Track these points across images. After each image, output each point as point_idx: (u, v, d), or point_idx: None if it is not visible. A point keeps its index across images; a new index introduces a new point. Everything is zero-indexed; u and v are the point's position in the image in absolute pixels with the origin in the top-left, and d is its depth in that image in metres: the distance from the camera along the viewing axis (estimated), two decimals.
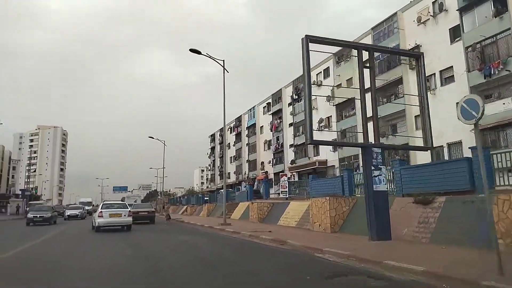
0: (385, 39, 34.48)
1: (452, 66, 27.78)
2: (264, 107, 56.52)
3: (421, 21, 29.96)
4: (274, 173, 51.27)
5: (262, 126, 56.85)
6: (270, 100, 54.09)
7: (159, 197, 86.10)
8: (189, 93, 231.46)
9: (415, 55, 11.87)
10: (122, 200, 55.15)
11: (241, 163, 63.59)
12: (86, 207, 43.02)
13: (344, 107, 37.97)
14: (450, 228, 8.82)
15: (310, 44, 10.06)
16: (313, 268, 6.60)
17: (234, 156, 67.19)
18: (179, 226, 21.67)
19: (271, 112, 53.17)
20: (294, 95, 45.91)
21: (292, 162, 46.05)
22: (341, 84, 38.22)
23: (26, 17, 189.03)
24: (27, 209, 49.23)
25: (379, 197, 9.71)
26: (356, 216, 12.25)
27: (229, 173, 69.68)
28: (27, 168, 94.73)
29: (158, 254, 8.82)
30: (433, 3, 29.15)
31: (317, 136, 37.91)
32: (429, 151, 12.58)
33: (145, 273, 6.17)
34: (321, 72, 42.17)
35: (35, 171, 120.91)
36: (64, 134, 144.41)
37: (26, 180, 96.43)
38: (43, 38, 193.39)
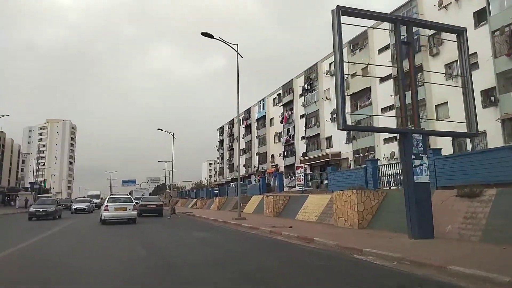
0: None
1: (476, 52, 26.22)
2: (274, 99, 55.22)
3: (443, 5, 28.40)
4: (285, 166, 50.15)
5: (272, 118, 55.62)
6: (280, 91, 52.78)
7: (167, 190, 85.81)
8: (197, 87, 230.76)
9: (457, 30, 10.56)
10: (130, 194, 54.53)
11: (250, 156, 62.53)
12: (95, 200, 42.00)
13: (359, 97, 36.61)
14: (506, 225, 7.64)
15: (341, 17, 8.81)
16: (364, 275, 5.43)
17: (243, 148, 66.09)
18: (190, 220, 20.70)
19: (281, 104, 51.89)
20: (306, 85, 44.58)
21: (304, 154, 44.85)
22: (356, 73, 36.83)
23: (38, 13, 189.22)
24: (37, 202, 49.06)
25: (420, 189, 8.55)
26: (387, 211, 11.11)
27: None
28: (36, 161, 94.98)
29: (174, 254, 7.76)
30: None
31: (330, 127, 36.54)
32: (470, 138, 11.26)
33: (163, 280, 5.12)
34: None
35: (44, 164, 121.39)
36: (73, 128, 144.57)
37: (35, 173, 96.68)
38: (55, 33, 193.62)
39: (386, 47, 33.95)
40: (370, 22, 15.71)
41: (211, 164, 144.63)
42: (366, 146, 35.01)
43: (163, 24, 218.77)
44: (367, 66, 35.52)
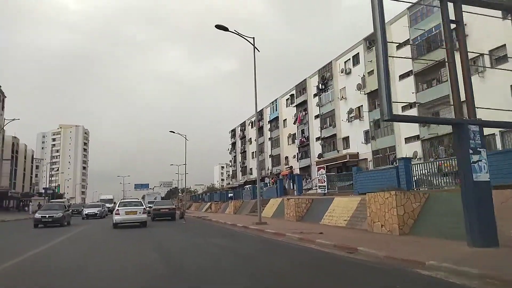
0: (423, 19, 31.65)
1: (504, 45, 24.81)
2: (287, 99, 54.10)
3: None
4: (300, 168, 48.90)
5: (286, 119, 54.49)
6: (293, 92, 51.64)
7: (180, 194, 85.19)
8: (207, 90, 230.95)
9: None
10: (142, 198, 53.92)
11: (263, 158, 61.40)
12: (107, 205, 41.00)
13: (377, 96, 35.11)
14: None
15: None
16: None
17: (256, 151, 65.07)
18: (207, 226, 19.65)
19: (295, 104, 50.74)
20: (320, 84, 43.37)
21: (320, 156, 43.57)
22: (373, 70, 35.49)
23: (47, 18, 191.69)
24: None
25: (480, 189, 7.34)
26: (433, 214, 9.90)
27: (251, 169, 67.73)
28: (50, 167, 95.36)
29: (197, 268, 6.69)
30: None
31: (347, 127, 35.21)
32: None
33: None
34: (349, 59, 39.47)
35: (57, 169, 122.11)
36: (85, 133, 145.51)
37: (49, 178, 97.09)
38: (68, 39, 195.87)
39: (404, 43, 32.61)
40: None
41: (223, 167, 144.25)
42: (386, 146, 33.64)
43: (173, 27, 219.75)
44: None
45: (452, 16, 8.49)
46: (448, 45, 8.30)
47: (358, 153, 37.35)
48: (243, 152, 71.74)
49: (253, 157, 66.86)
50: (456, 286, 4.76)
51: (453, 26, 8.51)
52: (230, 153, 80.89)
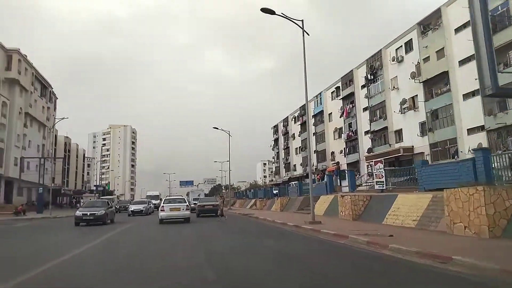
0: None
1: None
2: (332, 92, 51.90)
3: None
4: (348, 164, 46.65)
5: (331, 113, 52.33)
6: (339, 84, 49.38)
7: (223, 190, 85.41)
8: (248, 88, 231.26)
9: None
10: (187, 195, 54.23)
11: (308, 154, 59.58)
12: (153, 201, 40.55)
13: (434, 84, 32.40)
14: None
15: None
16: None
17: (300, 147, 63.38)
18: (254, 223, 18.53)
19: (341, 97, 48.49)
20: (368, 75, 40.91)
21: (369, 150, 41.19)
22: (429, 57, 32.76)
23: (95, 23, 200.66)
24: None
25: None
26: None
27: (294, 165, 66.15)
28: (100, 165, 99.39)
29: (251, 277, 5.51)
30: None
31: (399, 119, 32.72)
32: None
33: None
34: (401, 46, 36.75)
35: (108, 168, 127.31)
36: (133, 132, 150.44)
37: (100, 176, 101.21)
38: (113, 43, 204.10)
39: (464, 25, 29.61)
40: None
41: (265, 164, 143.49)
42: (446, 138, 30.83)
43: (213, 27, 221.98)
44: (442, 48, 31.41)
45: None
46: None
47: (413, 146, 34.69)
48: (286, 148, 70.26)
49: (296, 153, 65.22)
50: None
51: None
52: (272, 149, 79.68)
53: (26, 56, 48.53)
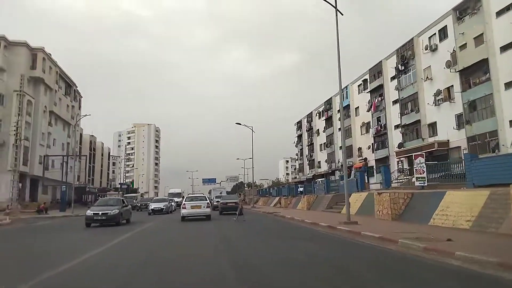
0: None
1: None
2: (359, 86, 49.83)
3: None
4: (376, 160, 44.65)
5: (358, 107, 50.30)
6: (366, 76, 47.28)
7: (246, 188, 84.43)
8: (269, 86, 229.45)
9: None
10: (209, 193, 53.47)
11: (333, 150, 57.73)
12: (176, 199, 39.40)
13: (472, 72, 30.06)
14: None
15: None
16: None
17: (324, 143, 61.56)
18: (281, 223, 17.16)
19: (368, 90, 46.40)
20: (399, 65, 38.72)
21: (400, 145, 39.07)
22: (466, 44, 30.43)
23: (123, 27, 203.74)
24: None
25: None
26: None
27: (319, 162, 64.36)
28: (125, 163, 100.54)
29: None
30: None
31: (433, 112, 30.50)
32: None
33: None
34: (435, 33, 34.45)
35: (133, 166, 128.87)
36: (157, 131, 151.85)
37: (124, 174, 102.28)
38: (136, 45, 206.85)
39: (508, 8, 27.23)
40: None
41: (287, 161, 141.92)
42: (486, 131, 28.51)
43: (233, 26, 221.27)
44: (481, 34, 29.05)
45: None
46: None
47: (448, 140, 32.46)
48: (310, 145, 68.49)
49: (321, 150, 63.42)
50: None
51: None
52: (296, 146, 78.00)
53: (50, 54, 48.85)
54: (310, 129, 68.47)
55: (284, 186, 51.85)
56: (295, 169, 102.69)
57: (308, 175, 66.55)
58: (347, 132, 52.86)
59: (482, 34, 28.90)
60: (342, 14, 13.81)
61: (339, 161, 55.26)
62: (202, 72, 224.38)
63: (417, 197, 13.72)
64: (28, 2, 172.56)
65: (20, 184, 38.57)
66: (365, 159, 47.78)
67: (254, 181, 50.72)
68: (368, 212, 16.44)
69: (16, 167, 37.43)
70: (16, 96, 40.31)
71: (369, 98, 45.90)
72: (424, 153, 17.50)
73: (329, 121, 59.30)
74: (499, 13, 28.05)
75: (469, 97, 30.00)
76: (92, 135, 77.81)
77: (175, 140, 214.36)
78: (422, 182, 15.50)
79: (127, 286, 5.07)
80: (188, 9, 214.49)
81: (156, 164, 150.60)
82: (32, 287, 5.02)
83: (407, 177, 31.32)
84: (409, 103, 37.88)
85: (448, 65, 31.78)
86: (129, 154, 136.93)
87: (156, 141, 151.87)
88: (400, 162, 39.18)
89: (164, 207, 29.42)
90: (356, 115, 50.72)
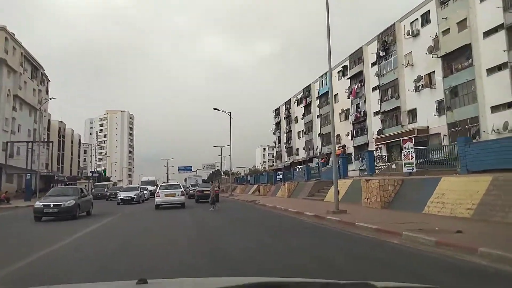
0: None
1: None
2: (339, 72, 49.07)
3: None
4: (355, 147, 44.30)
5: (337, 94, 49.52)
6: (346, 63, 46.56)
7: (222, 176, 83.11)
8: (246, 73, 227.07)
9: None
10: (184, 181, 51.96)
11: (311, 137, 57.18)
12: (149, 187, 37.56)
13: (455, 58, 29.68)
14: None
15: None
16: None
17: (303, 130, 60.91)
18: (263, 212, 16.09)
19: (348, 76, 45.75)
20: (380, 51, 38.10)
21: (379, 132, 38.72)
22: (449, 29, 29.95)
23: (96, 11, 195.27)
24: (93, 191, 47.53)
25: None
26: None
27: (297, 150, 63.81)
28: (98, 151, 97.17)
29: None
30: None
31: (413, 98, 30.01)
32: None
33: None
34: (417, 18, 33.87)
35: (105, 154, 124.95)
36: (131, 118, 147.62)
37: (96, 162, 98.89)
38: (111, 29, 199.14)
39: None
40: None
41: (264, 149, 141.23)
42: (467, 118, 28.29)
43: (212, 12, 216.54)
44: (465, 19, 28.59)
45: None
46: None
47: (428, 127, 32.20)
48: (288, 132, 67.79)
49: (299, 137, 62.79)
50: None
51: None
52: (274, 133, 77.17)
53: (14, 34, 45.45)
54: (288, 116, 67.69)
55: (263, 173, 50.94)
56: (272, 156, 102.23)
57: (286, 163, 65.98)
58: (326, 119, 52.26)
59: (466, 19, 28.46)
60: None
61: (317, 148, 54.77)
62: (178, 58, 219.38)
63: (407, 183, 12.93)
64: None
65: None
66: (344, 146, 47.29)
67: (231, 169, 49.47)
68: (354, 199, 15.62)
69: None
70: None
71: (349, 85, 45.27)
72: (379, 145, 16.69)
73: (307, 108, 58.58)
74: None
75: (450, 83, 29.67)
76: (61, 122, 74.13)
77: (151, 127, 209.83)
78: (411, 168, 14.73)
79: None
80: None
81: (130, 152, 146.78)
82: None
83: (386, 163, 30.94)
84: (389, 90, 37.43)
85: (430, 50, 31.31)
86: (101, 141, 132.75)
87: (130, 128, 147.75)
88: (378, 149, 38.85)
89: (135, 196, 27.12)
90: (335, 102, 49.89)
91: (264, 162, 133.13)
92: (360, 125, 43.63)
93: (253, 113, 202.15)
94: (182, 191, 20.56)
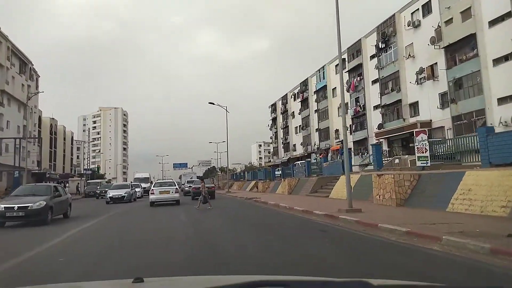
0: None
1: None
2: (336, 65, 47.93)
3: None
4: (354, 142, 43.29)
5: (335, 88, 48.50)
6: (345, 56, 45.35)
7: (218, 172, 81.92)
8: (241, 70, 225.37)
9: None
10: (179, 178, 50.61)
11: (309, 133, 56.12)
12: (143, 184, 36.12)
13: (459, 49, 28.69)
14: None
15: None
16: None
17: (300, 125, 59.82)
18: (268, 212, 14.85)
19: (347, 70, 44.59)
20: (380, 43, 37.04)
21: (380, 126, 37.74)
22: (452, 19, 28.94)
23: (91, 9, 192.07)
24: (86, 188, 46.16)
25: None
26: None
27: (294, 145, 62.77)
28: (92, 149, 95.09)
29: None
30: None
31: (415, 91, 29.00)
32: None
33: None
34: (418, 9, 32.85)
35: (99, 151, 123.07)
36: (124, 115, 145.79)
37: (89, 160, 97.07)
38: (106, 26, 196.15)
39: None
40: None
41: (260, 146, 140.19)
42: (472, 110, 27.35)
43: (206, 9, 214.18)
44: (469, 8, 27.59)
45: None
46: None
47: (431, 120, 31.27)
48: (285, 127, 66.65)
49: (296, 132, 61.72)
50: None
51: None
52: (270, 129, 76.01)
53: None
54: (285, 112, 66.54)
55: (260, 169, 49.83)
56: (268, 153, 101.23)
57: (283, 159, 64.92)
58: (324, 114, 51.24)
59: (470, 8, 27.45)
60: None
61: (315, 144, 53.77)
62: (173, 55, 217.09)
63: (425, 179, 11.89)
64: None
65: None
66: (342, 141, 46.41)
67: (228, 165, 48.28)
68: (362, 196, 14.57)
69: None
70: None
71: (348, 78, 44.18)
72: (379, 139, 15.64)
73: (304, 103, 57.46)
74: None
75: (454, 75, 28.70)
76: (53, 118, 72.40)
77: (146, 124, 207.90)
78: (425, 162, 13.68)
79: None
80: None
81: (125, 149, 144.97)
82: None
83: (387, 158, 30.04)
84: (389, 82, 36.42)
85: (433, 41, 30.31)
86: (94, 139, 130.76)
87: (124, 125, 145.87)
88: (379, 143, 37.91)
89: (126, 194, 24.75)
90: (333, 96, 48.99)
91: (260, 158, 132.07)
92: (359, 120, 42.65)
93: (249, 110, 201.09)
94: (176, 188, 20.71)
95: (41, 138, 52.72)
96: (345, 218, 9.47)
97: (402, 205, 11.85)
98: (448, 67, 29.38)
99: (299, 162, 38.31)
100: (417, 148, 14.07)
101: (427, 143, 13.89)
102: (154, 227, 10.69)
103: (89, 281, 2.40)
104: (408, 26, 33.58)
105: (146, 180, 40.93)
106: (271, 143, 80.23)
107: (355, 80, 42.69)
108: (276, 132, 72.34)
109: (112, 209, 18.21)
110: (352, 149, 43.35)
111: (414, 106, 33.70)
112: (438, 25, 30.10)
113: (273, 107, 73.35)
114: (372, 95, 39.65)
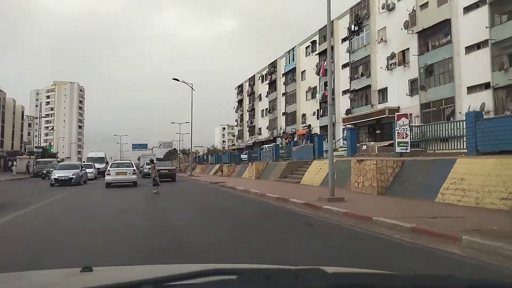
0: None
1: None
2: (307, 47, 46.89)
3: None
4: (321, 127, 42.70)
5: (304, 70, 47.56)
6: (316, 38, 44.37)
7: (180, 155, 79.51)
8: (207, 49, 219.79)
9: None
10: (138, 159, 48.03)
11: (275, 116, 55.12)
12: (97, 165, 32.96)
13: (432, 34, 28.33)
14: None
15: None
16: None
17: (266, 108, 58.66)
18: (237, 199, 13.46)
19: (317, 52, 43.63)
20: (352, 26, 36.20)
21: (348, 112, 37.27)
22: (427, 3, 28.45)
23: None
24: (35, 168, 42.70)
25: None
26: None
27: (259, 129, 61.68)
28: (45, 125, 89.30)
29: None
30: None
31: (385, 76, 28.28)
32: None
33: None
34: None
35: (52, 128, 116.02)
36: (81, 90, 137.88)
37: (43, 137, 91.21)
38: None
39: None
40: None
41: (224, 128, 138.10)
42: (442, 98, 27.22)
43: None
44: None
45: None
46: None
47: (399, 107, 31.00)
48: (252, 110, 65.26)
49: (262, 116, 60.57)
50: None
51: None
52: (236, 111, 74.30)
53: None
54: (252, 94, 65.04)
55: (225, 153, 48.35)
56: (233, 136, 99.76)
57: (248, 142, 63.75)
58: (291, 97, 50.30)
59: None
60: None
61: (281, 128, 52.92)
62: (136, 31, 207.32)
63: (408, 166, 11.00)
64: None
65: None
66: (309, 126, 45.76)
67: (191, 147, 46.29)
68: (339, 183, 13.56)
69: None
70: None
71: (317, 61, 43.26)
72: (346, 125, 14.80)
73: (272, 86, 56.20)
74: None
75: (426, 61, 28.41)
76: (1, 90, 66.56)
77: (104, 103, 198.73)
78: (405, 148, 12.84)
79: None
80: None
81: (80, 127, 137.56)
82: None
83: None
84: (360, 67, 35.85)
85: (406, 26, 29.79)
86: (48, 115, 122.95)
87: (80, 101, 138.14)
88: (346, 129, 37.54)
89: (74, 175, 21.39)
90: (302, 79, 48.07)
91: (224, 141, 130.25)
92: (327, 104, 42.01)
93: (213, 91, 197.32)
94: (134, 169, 20.28)
95: None
96: (328, 208, 8.30)
97: (383, 193, 10.93)
98: (420, 53, 29.02)
99: (266, 146, 37.20)
100: (398, 133, 13.18)
101: (408, 128, 13.04)
102: (101, 220, 8.56)
103: (34, 270, 1.99)
104: (383, 8, 32.86)
105: (101, 160, 37.35)
106: (236, 126, 78.66)
107: (325, 63, 41.80)
108: (242, 115, 70.82)
109: (53, 194, 15.32)
110: (318, 134, 42.87)
111: (383, 92, 33.36)
112: (413, 9, 29.55)
113: (240, 88, 71.57)
114: (342, 80, 38.97)
